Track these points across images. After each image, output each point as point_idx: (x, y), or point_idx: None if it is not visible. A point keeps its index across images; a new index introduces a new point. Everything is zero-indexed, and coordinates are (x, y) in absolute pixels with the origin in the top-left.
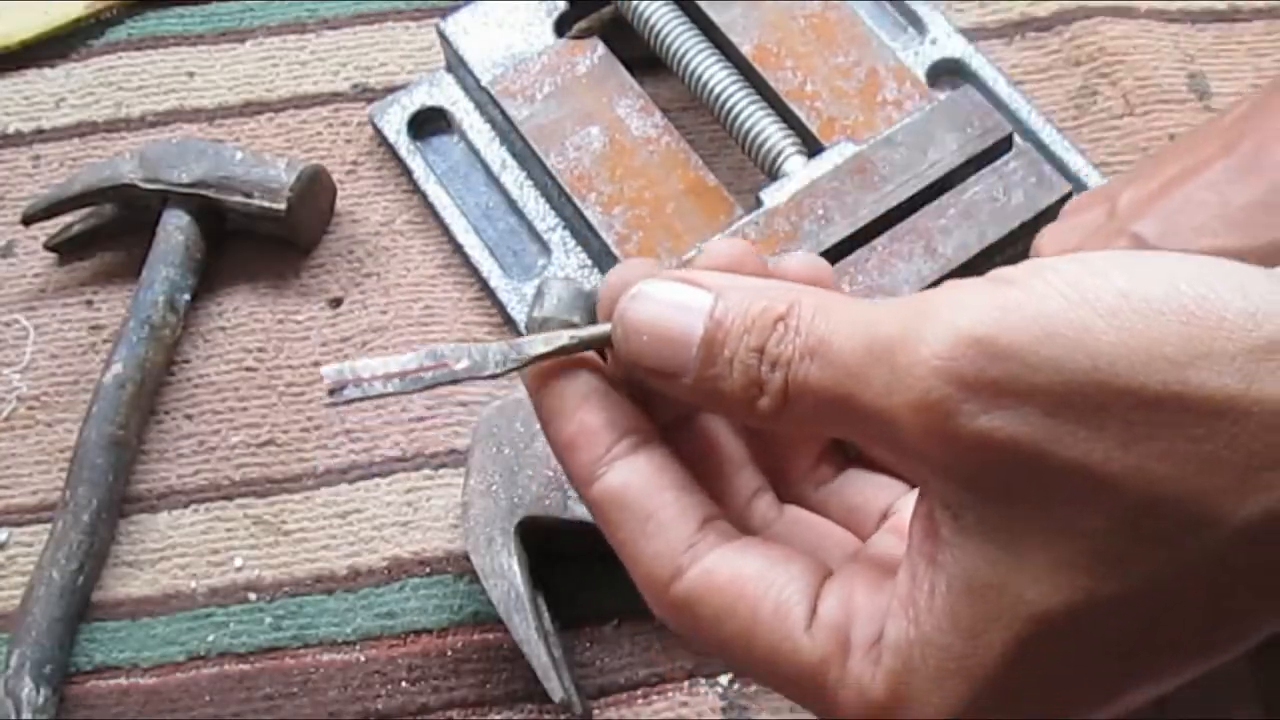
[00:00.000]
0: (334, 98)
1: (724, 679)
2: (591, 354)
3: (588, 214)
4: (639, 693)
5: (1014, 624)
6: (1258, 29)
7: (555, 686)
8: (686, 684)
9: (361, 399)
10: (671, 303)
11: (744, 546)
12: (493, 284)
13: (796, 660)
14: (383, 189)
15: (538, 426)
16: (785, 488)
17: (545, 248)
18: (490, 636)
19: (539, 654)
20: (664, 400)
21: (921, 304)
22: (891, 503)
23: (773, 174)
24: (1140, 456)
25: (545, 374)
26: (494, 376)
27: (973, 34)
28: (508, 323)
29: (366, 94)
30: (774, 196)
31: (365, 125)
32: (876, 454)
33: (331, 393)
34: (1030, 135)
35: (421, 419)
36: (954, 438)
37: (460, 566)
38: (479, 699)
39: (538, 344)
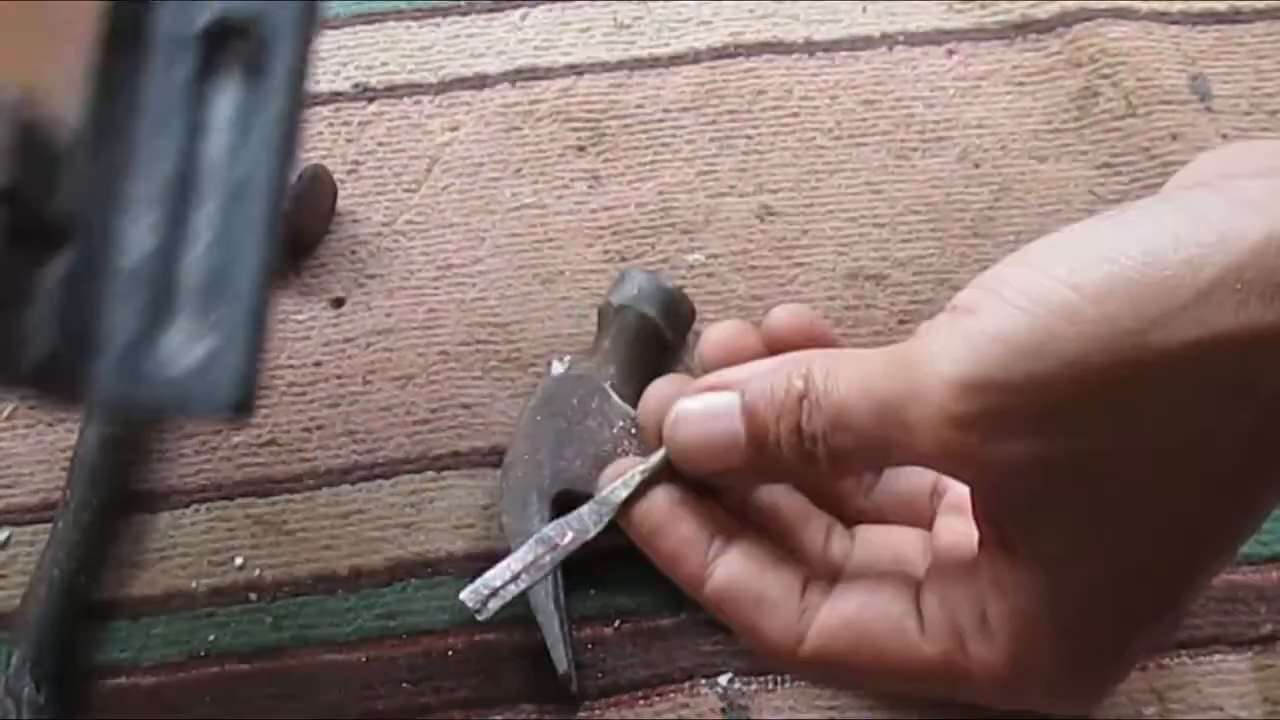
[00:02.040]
0: (335, 97)
1: (723, 680)
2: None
3: None
4: (640, 693)
5: (1081, 586)
6: (1258, 30)
7: (561, 658)
8: (687, 685)
9: (505, 603)
10: (707, 414)
11: (843, 593)
12: None
13: (926, 662)
14: (384, 189)
15: (594, 403)
16: (845, 506)
17: None
18: (491, 637)
19: (552, 624)
20: (728, 487)
21: (908, 357)
22: (934, 480)
23: None
24: (1134, 424)
25: (630, 505)
26: (598, 534)
27: (974, 35)
28: None
29: (367, 94)
30: None
31: (367, 124)
32: None
33: (478, 610)
34: None
35: (426, 421)
36: (979, 469)
37: (462, 568)
38: (480, 699)
39: (619, 491)
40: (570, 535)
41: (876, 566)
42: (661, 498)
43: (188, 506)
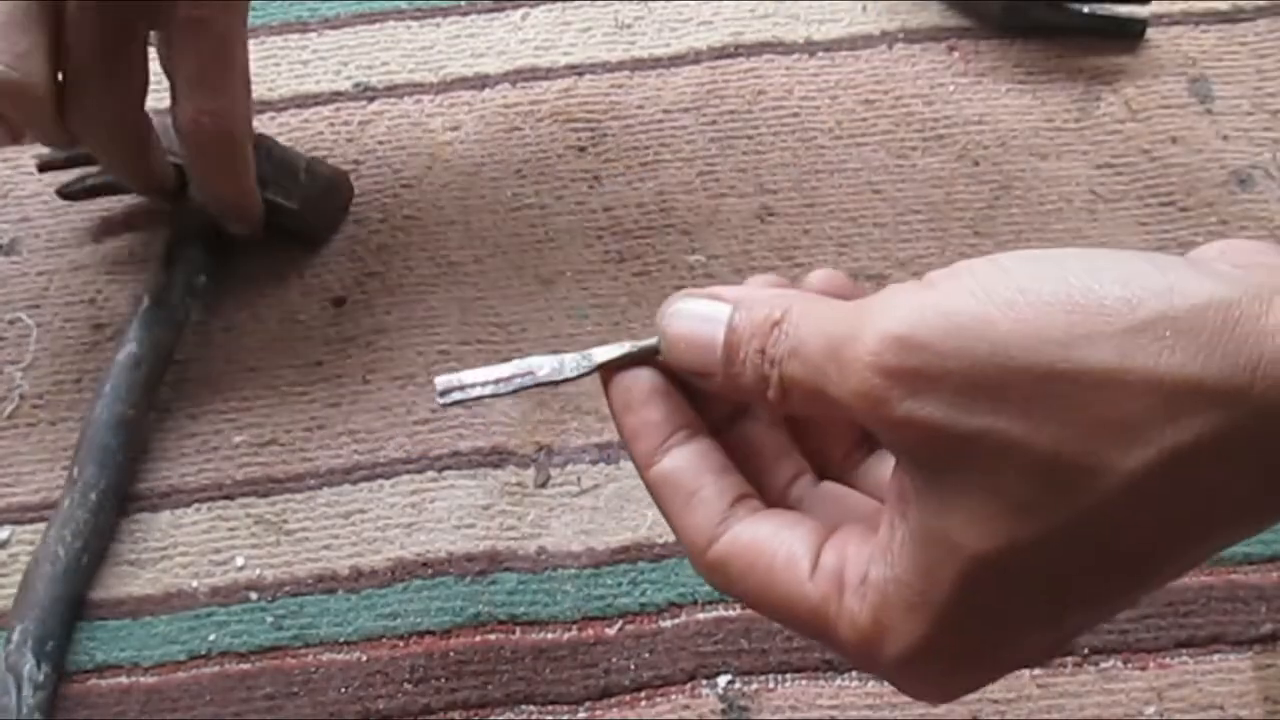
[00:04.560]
0: (335, 97)
1: (723, 680)
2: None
3: None
4: (641, 694)
5: (956, 564)
6: (1260, 28)
7: None
8: (688, 686)
9: (464, 400)
10: (699, 315)
11: (765, 515)
12: None
13: (804, 602)
14: (384, 188)
15: None
16: (827, 473)
17: None
18: (492, 638)
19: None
20: (717, 399)
21: (864, 307)
22: None
23: None
24: (1038, 422)
25: (615, 372)
26: (569, 380)
27: (974, 31)
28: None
29: (368, 93)
30: None
31: (367, 124)
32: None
33: (441, 394)
34: None
35: (426, 421)
36: (887, 420)
37: (463, 568)
38: (481, 700)
39: (606, 353)
40: (547, 370)
41: (818, 513)
42: (645, 376)
43: (189, 506)
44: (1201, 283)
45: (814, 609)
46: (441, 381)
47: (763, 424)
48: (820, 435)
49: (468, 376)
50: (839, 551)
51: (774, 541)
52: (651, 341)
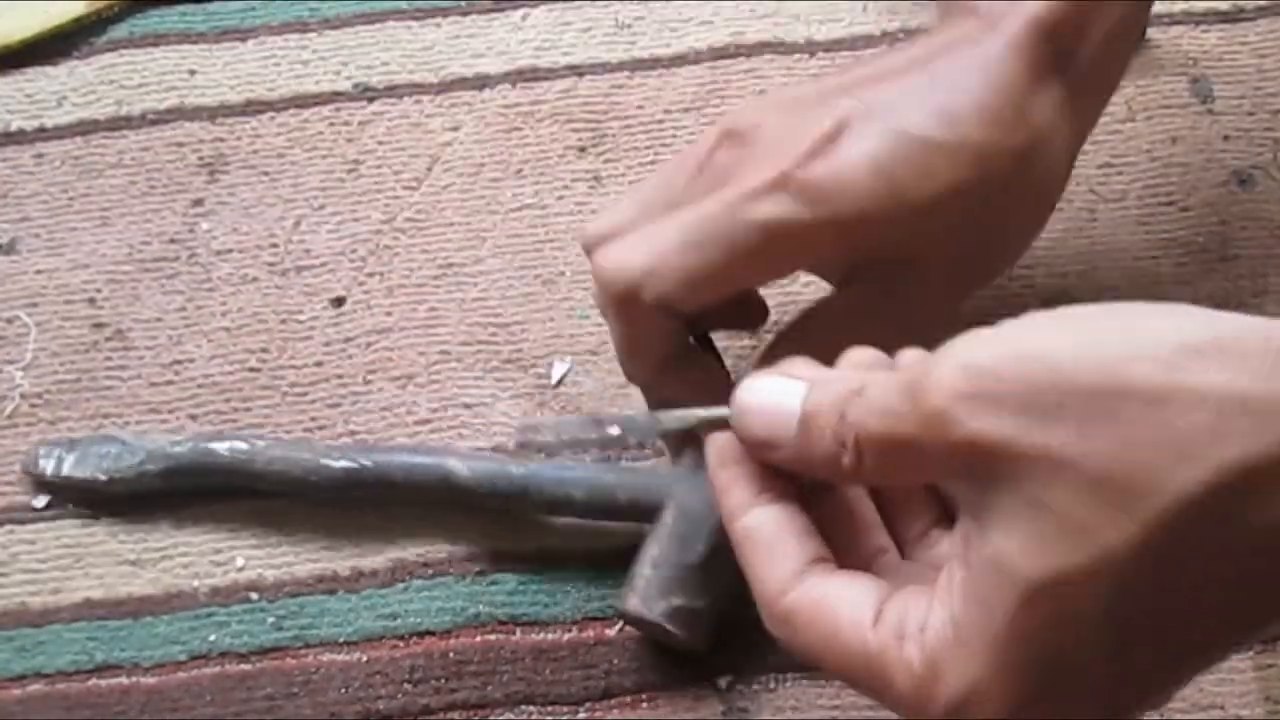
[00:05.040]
0: (335, 97)
1: (724, 682)
2: None
3: None
4: (643, 696)
5: (1012, 594)
6: (1261, 28)
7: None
8: (690, 687)
9: (535, 443)
10: (774, 389)
11: (838, 574)
12: None
13: (865, 655)
14: (384, 188)
15: None
16: (901, 554)
17: None
18: (493, 638)
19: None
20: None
21: (938, 351)
22: None
23: None
24: (1091, 440)
25: (717, 429)
26: (638, 445)
27: None
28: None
29: (368, 93)
30: None
31: (367, 124)
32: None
33: (519, 432)
34: None
35: (427, 421)
36: (953, 442)
37: (463, 569)
38: (481, 701)
39: (675, 421)
40: (616, 431)
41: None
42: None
43: (189, 506)
44: (1244, 316)
45: (872, 660)
46: (520, 425)
47: (849, 499)
48: (893, 515)
49: (546, 425)
50: (902, 604)
51: (841, 595)
52: (722, 411)
